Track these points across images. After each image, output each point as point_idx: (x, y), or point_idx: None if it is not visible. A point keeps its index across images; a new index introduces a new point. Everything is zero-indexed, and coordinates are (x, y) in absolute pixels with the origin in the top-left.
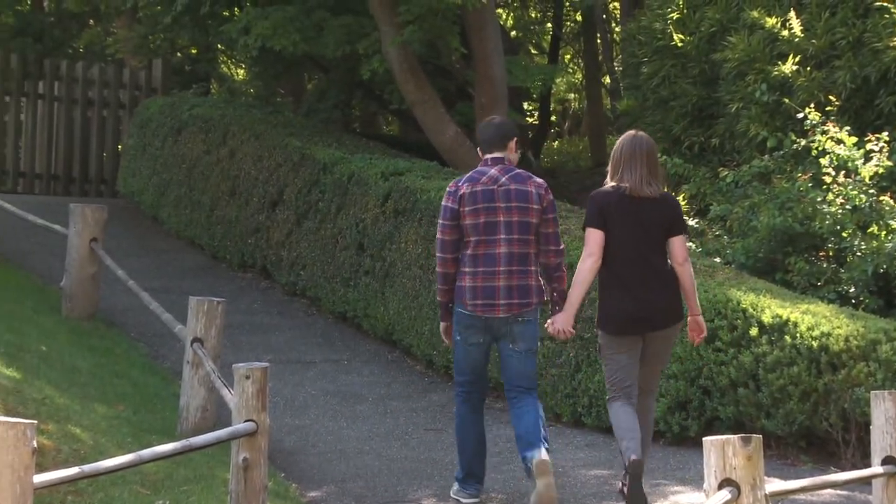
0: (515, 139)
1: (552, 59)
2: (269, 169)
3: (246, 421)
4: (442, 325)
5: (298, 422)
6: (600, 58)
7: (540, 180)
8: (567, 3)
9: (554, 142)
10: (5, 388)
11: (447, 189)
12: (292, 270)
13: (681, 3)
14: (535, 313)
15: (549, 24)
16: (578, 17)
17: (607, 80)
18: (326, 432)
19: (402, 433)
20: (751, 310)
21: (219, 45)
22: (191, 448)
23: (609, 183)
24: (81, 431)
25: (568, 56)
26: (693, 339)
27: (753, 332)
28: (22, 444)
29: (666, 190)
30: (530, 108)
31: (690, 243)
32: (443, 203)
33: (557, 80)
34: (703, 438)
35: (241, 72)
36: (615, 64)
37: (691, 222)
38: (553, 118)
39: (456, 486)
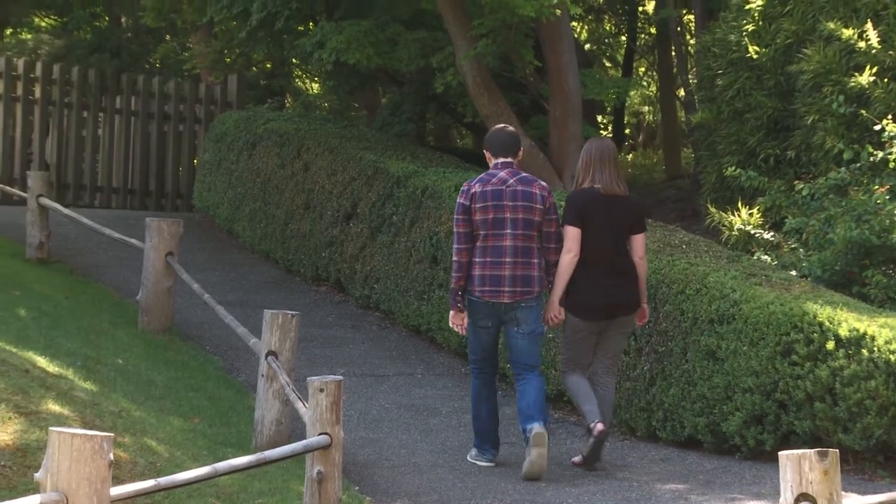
0: (522, 148)
1: (626, 72)
2: (343, 182)
3: (320, 434)
4: (451, 313)
5: (372, 435)
6: (675, 70)
7: (544, 184)
8: (642, 16)
9: (628, 154)
10: (83, 401)
11: (461, 188)
12: (366, 284)
13: (756, 14)
14: (537, 300)
15: (624, 37)
16: (653, 30)
17: (682, 92)
18: (400, 445)
19: None
20: (827, 323)
21: (293, 60)
22: (265, 461)
23: (582, 185)
24: (157, 444)
25: (642, 68)
26: (637, 322)
27: (830, 345)
28: (99, 456)
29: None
30: (604, 120)
31: (766, 256)
32: (458, 200)
33: (631, 93)
34: (779, 453)
35: (315, 86)
36: (690, 76)
37: (767, 235)
38: (627, 131)
39: (474, 451)
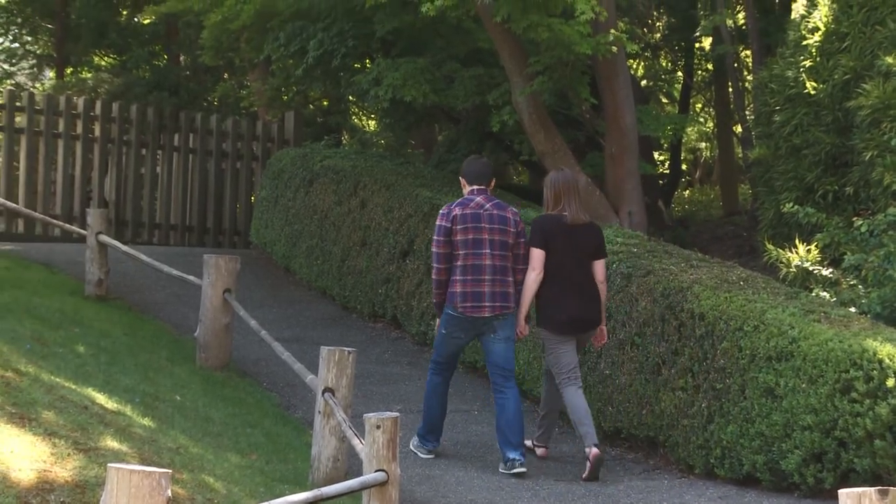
0: (493, 178)
1: (683, 108)
2: (400, 219)
3: (377, 471)
4: (438, 321)
5: (429, 472)
6: (732, 106)
7: (515, 209)
8: (698, 52)
9: (685, 191)
10: (141, 438)
11: (441, 211)
12: (422, 320)
13: (814, 50)
14: (511, 312)
15: (681, 73)
16: (710, 66)
17: (739, 128)
18: (457, 482)
19: (532, 484)
20: (887, 360)
21: (350, 97)
22: (322, 498)
23: (550, 211)
24: (215, 481)
25: (699, 105)
26: (595, 343)
27: (890, 382)
28: (157, 493)
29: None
30: (661, 157)
31: (824, 293)
32: (437, 223)
33: (688, 129)
34: (839, 491)
35: (372, 123)
36: (747, 112)
37: (825, 272)
38: (684, 167)
39: (416, 440)
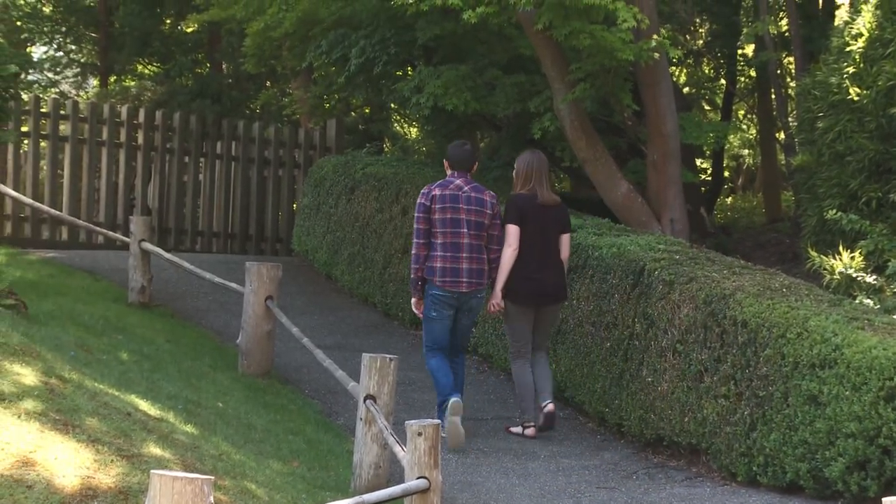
0: (476, 163)
1: (725, 115)
2: None
3: (418, 478)
4: (413, 300)
5: (470, 479)
6: (774, 113)
7: (492, 193)
8: (741, 59)
9: (727, 198)
10: (183, 444)
11: (422, 191)
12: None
13: (857, 57)
14: (484, 290)
15: (723, 80)
16: (752, 73)
17: (782, 135)
18: (498, 490)
19: (574, 491)
20: None
21: (392, 105)
22: None
23: (520, 189)
24: (257, 487)
25: (742, 112)
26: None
27: None
28: (199, 499)
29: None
30: (703, 164)
31: (868, 300)
32: (418, 201)
33: (731, 136)
34: (883, 499)
35: (413, 130)
36: (790, 119)
37: (869, 279)
38: (726, 174)
39: (438, 415)
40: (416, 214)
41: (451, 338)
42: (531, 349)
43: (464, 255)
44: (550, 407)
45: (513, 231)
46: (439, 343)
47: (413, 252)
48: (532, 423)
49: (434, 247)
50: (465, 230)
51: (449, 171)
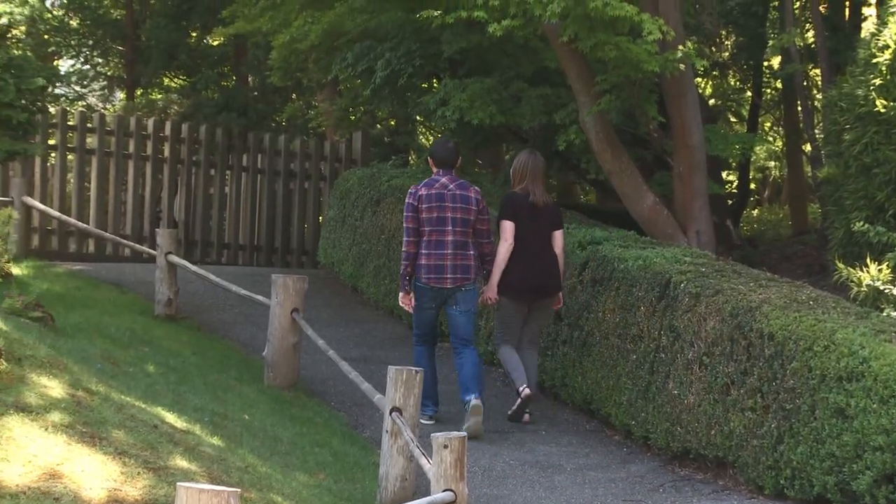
0: (459, 159)
1: (751, 127)
2: None
3: (444, 490)
4: (401, 294)
5: (496, 491)
6: (801, 125)
7: (477, 188)
8: (767, 71)
9: (753, 210)
10: (210, 457)
11: (409, 191)
12: (490, 340)
13: (884, 68)
14: (473, 285)
15: (749, 92)
16: (778, 85)
17: (808, 147)
18: (524, 502)
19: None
20: None
21: (417, 117)
22: None
23: (515, 188)
24: (283, 500)
25: (768, 123)
26: (553, 307)
27: None
28: None
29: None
30: (730, 176)
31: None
32: (406, 201)
33: (757, 148)
34: None
35: None
36: (816, 131)
37: None
38: (753, 186)
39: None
40: (405, 214)
41: (433, 330)
42: (521, 344)
43: (448, 252)
44: (527, 390)
45: (508, 226)
46: (423, 329)
47: (403, 249)
48: (526, 384)
49: (420, 244)
50: (451, 228)
51: (434, 170)
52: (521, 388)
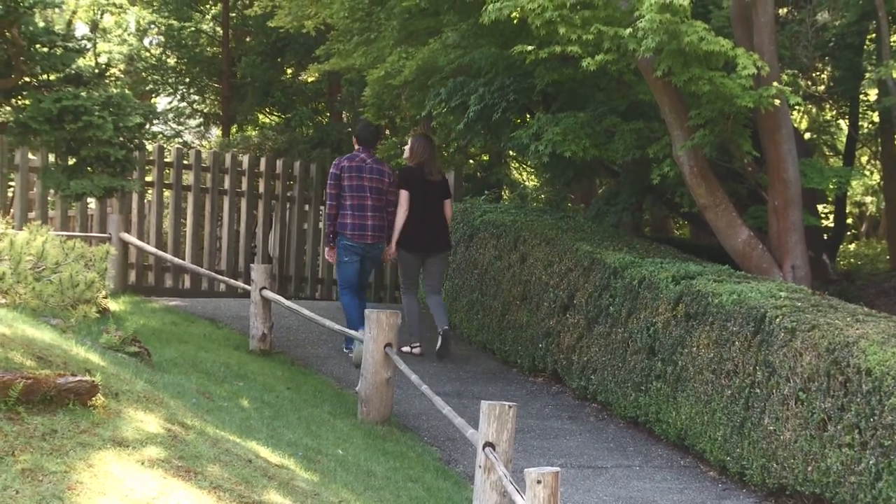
0: (379, 140)
1: (848, 161)
2: (560, 274)
3: None
4: (326, 249)
5: None
6: None
7: (389, 165)
8: (863, 104)
9: (850, 244)
10: (304, 491)
11: (334, 162)
12: (583, 375)
13: None
14: (383, 242)
15: (845, 125)
16: (875, 118)
17: None
18: None
19: None
20: None
21: (510, 152)
22: None
23: (412, 164)
24: None
25: (864, 157)
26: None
27: None
28: None
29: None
30: (825, 210)
31: None
32: (331, 171)
33: (853, 182)
34: None
35: (532, 178)
36: None
37: None
38: (849, 220)
39: (346, 344)
40: (329, 182)
41: (358, 279)
42: (426, 290)
43: (368, 213)
44: (446, 327)
45: (404, 195)
46: (350, 282)
47: (327, 212)
48: (419, 344)
49: (345, 207)
50: (368, 195)
51: (357, 147)
52: (441, 329)
